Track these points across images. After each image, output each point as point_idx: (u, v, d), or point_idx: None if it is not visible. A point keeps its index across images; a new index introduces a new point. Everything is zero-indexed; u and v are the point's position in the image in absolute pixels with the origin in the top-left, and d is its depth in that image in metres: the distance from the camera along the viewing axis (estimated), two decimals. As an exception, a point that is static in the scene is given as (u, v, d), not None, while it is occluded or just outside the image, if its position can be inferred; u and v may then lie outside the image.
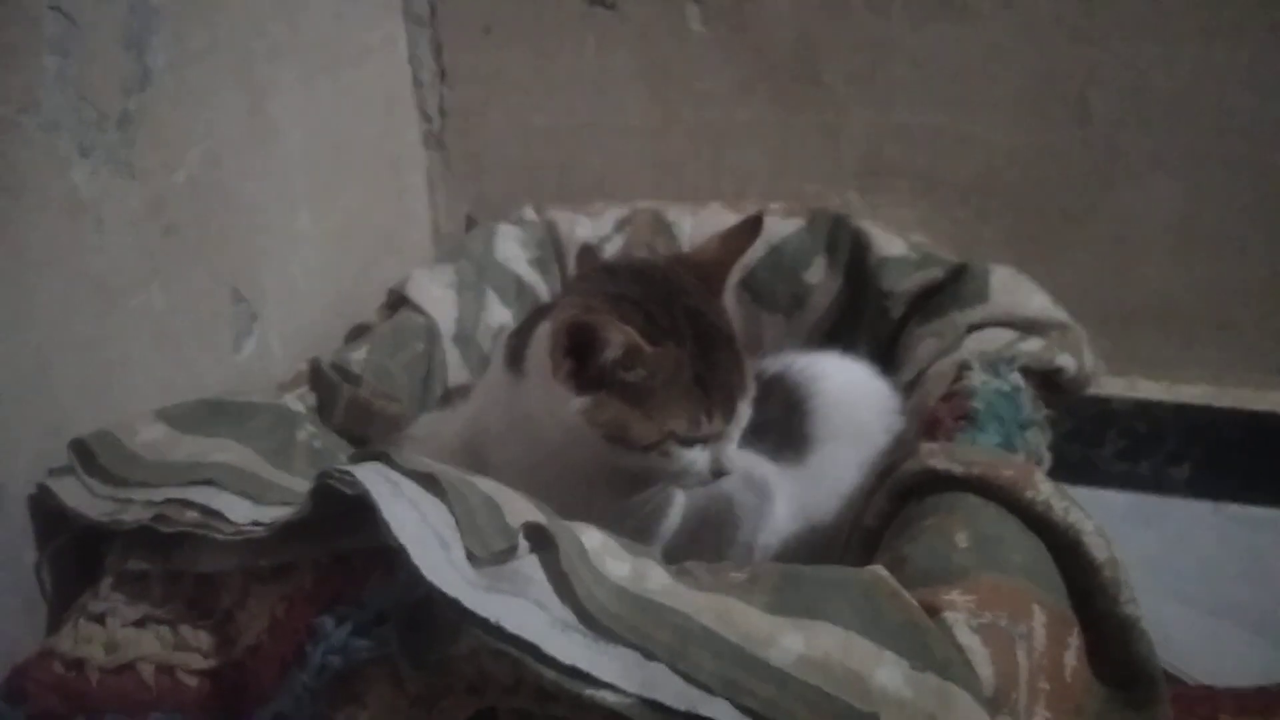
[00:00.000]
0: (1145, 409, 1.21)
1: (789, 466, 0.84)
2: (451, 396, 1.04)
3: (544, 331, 0.75)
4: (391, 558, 0.56)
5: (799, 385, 0.87)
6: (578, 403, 0.72)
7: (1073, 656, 0.62)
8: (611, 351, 0.71)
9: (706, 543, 0.81)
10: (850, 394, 0.89)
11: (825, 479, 0.84)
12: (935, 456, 0.71)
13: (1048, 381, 0.91)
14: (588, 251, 1.17)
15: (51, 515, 0.73)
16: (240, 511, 0.66)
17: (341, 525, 0.61)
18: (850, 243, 1.08)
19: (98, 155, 0.82)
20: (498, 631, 0.53)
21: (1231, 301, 1.19)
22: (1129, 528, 1.08)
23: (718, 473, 0.76)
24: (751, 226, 0.83)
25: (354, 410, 0.93)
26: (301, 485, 0.67)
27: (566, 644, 0.54)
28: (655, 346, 0.71)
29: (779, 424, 0.84)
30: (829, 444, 0.85)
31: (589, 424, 0.72)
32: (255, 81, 1.03)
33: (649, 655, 0.54)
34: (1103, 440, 1.23)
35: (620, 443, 0.73)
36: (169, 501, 0.68)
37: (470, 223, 1.35)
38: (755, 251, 1.11)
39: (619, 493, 0.75)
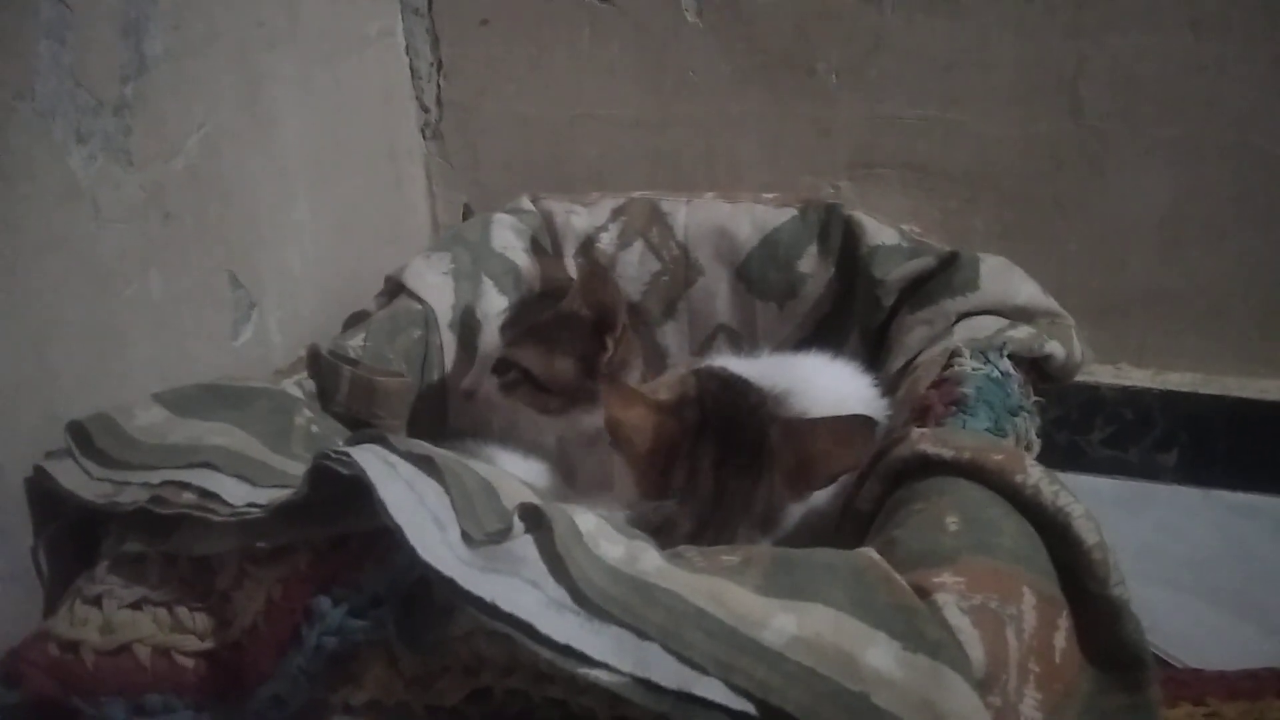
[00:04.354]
0: (1133, 396, 1.22)
1: None
2: (447, 384, 1.04)
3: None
4: (388, 540, 0.56)
5: (780, 400, 0.86)
6: None
7: (1062, 639, 0.62)
8: None
9: None
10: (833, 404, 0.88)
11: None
12: (926, 441, 0.71)
13: (1037, 368, 0.91)
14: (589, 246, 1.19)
15: (48, 498, 0.72)
16: (237, 494, 0.66)
17: (338, 507, 0.61)
18: (842, 232, 1.08)
19: (95, 142, 0.83)
20: (493, 611, 0.54)
21: (1219, 290, 1.19)
22: (1117, 514, 1.10)
23: None
24: None
25: (358, 389, 0.93)
26: (299, 469, 0.67)
27: (561, 623, 0.54)
28: None
29: None
30: None
31: None
32: (253, 71, 1.03)
33: (643, 635, 0.54)
34: (1091, 427, 1.24)
35: None
36: (166, 484, 0.68)
37: (467, 212, 1.35)
38: (749, 241, 1.12)
39: None
